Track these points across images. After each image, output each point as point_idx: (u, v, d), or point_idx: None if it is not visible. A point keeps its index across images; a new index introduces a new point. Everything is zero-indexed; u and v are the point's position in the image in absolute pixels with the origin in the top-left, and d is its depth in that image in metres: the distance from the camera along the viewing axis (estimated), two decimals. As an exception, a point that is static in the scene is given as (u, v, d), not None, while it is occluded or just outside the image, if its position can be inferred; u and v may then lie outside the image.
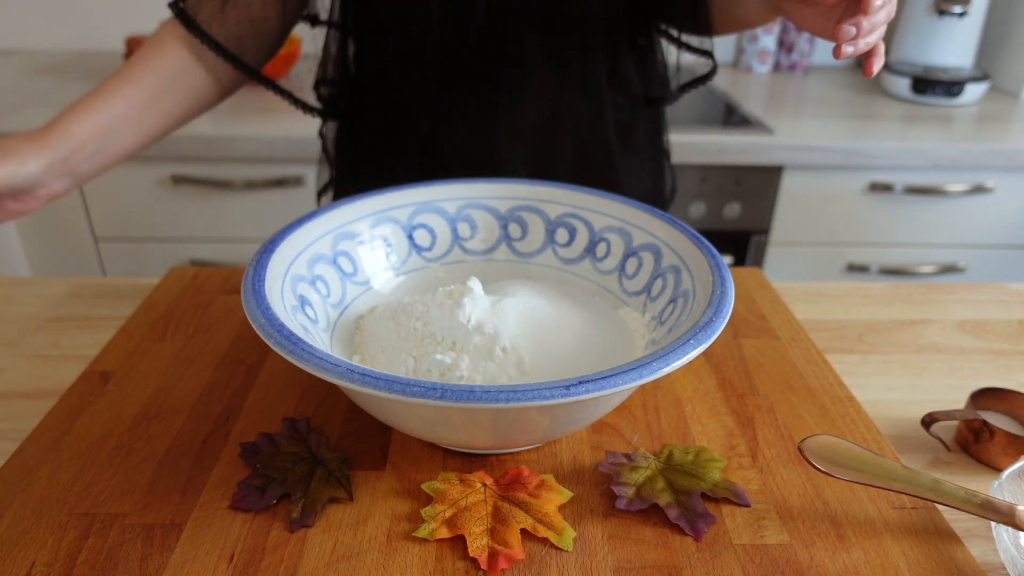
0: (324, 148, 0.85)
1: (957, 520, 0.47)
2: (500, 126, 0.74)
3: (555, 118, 0.75)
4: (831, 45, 1.95)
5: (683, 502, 0.45)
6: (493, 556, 0.42)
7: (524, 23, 0.70)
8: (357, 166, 0.81)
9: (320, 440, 0.50)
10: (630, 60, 0.76)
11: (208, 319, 0.66)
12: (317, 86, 0.78)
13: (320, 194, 0.88)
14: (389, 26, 0.72)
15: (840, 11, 0.51)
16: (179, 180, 1.29)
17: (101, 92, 0.62)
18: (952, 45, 1.58)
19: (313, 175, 1.30)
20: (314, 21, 0.75)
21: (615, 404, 0.48)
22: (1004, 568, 0.44)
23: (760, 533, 0.44)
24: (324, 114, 0.80)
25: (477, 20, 0.68)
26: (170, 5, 0.68)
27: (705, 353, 0.62)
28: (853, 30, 0.48)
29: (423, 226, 0.62)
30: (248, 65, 0.71)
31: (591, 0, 0.70)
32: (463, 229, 0.63)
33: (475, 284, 0.51)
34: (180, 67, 0.67)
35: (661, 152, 0.87)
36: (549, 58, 0.72)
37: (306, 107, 0.78)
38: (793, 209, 1.37)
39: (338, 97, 0.79)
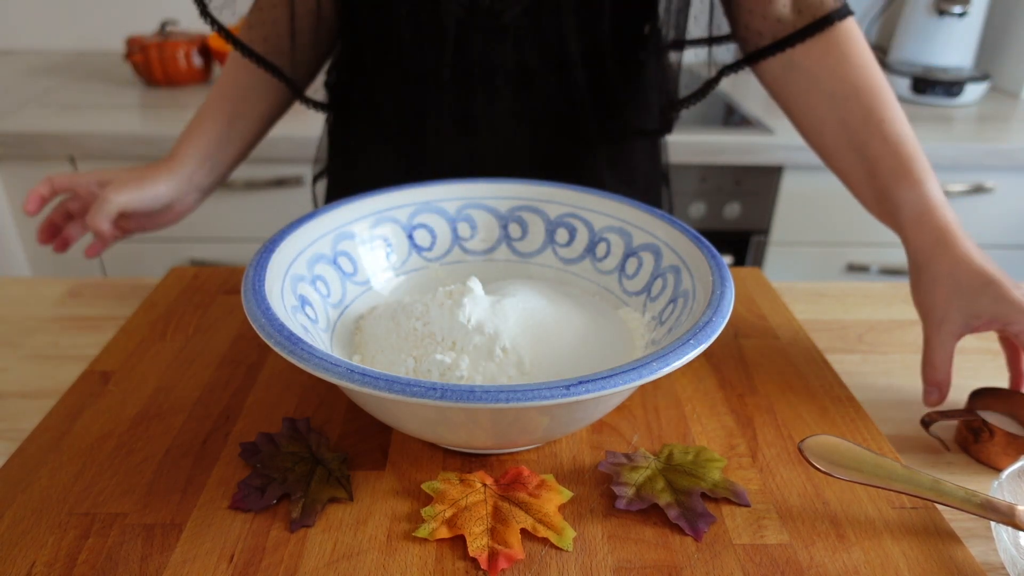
0: (325, 135, 0.86)
1: (957, 520, 0.47)
2: (480, 139, 0.72)
3: (535, 135, 0.73)
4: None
5: (683, 502, 0.45)
6: (493, 556, 0.42)
7: (496, 36, 0.67)
8: (351, 157, 0.81)
9: (320, 440, 0.50)
10: (620, 85, 0.73)
11: (208, 319, 0.66)
12: (329, 72, 0.80)
13: (315, 180, 0.89)
14: (363, 32, 0.72)
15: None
16: (179, 180, 1.29)
17: (198, 118, 0.74)
18: (952, 45, 1.58)
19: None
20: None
21: (615, 404, 0.48)
22: (1004, 568, 0.44)
23: (760, 533, 0.44)
24: (327, 107, 0.81)
25: (449, 30, 0.67)
26: (204, 15, 0.73)
27: (705, 353, 0.62)
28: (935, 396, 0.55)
29: (423, 226, 0.62)
30: (271, 63, 0.73)
31: (568, 16, 0.66)
32: (463, 229, 0.63)
33: (475, 284, 0.51)
34: (245, 83, 0.75)
35: (659, 178, 0.85)
36: (522, 73, 0.69)
37: (312, 103, 0.78)
38: (793, 209, 1.37)
39: (338, 86, 0.80)
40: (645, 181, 0.82)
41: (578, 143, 0.74)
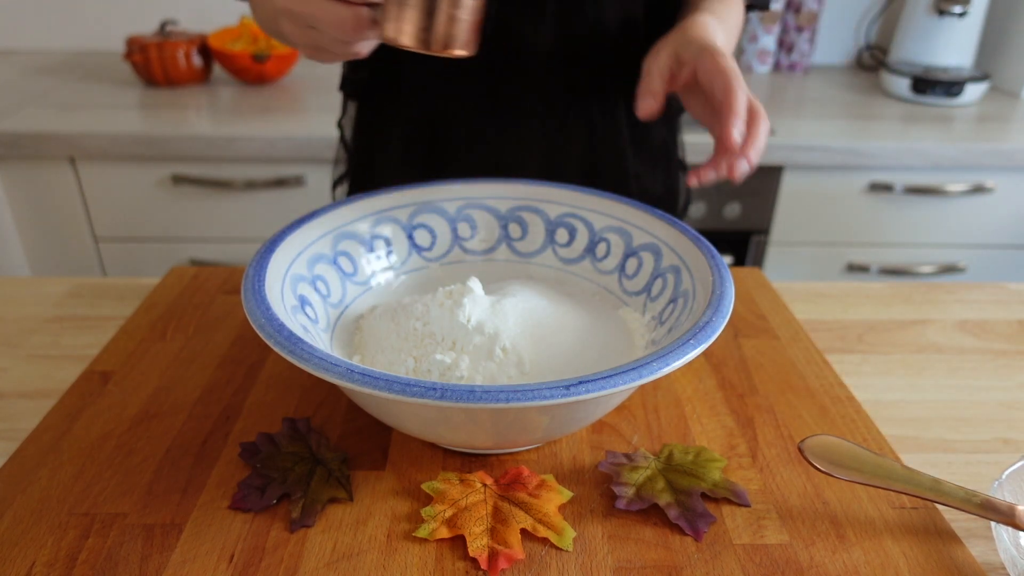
0: (342, 139, 0.86)
1: (957, 520, 0.47)
2: (507, 120, 0.74)
3: (565, 117, 0.75)
4: (831, 45, 1.95)
5: (683, 502, 0.45)
6: (493, 556, 0.42)
7: (538, 19, 0.69)
8: (372, 155, 0.82)
9: (320, 440, 0.50)
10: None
11: (208, 319, 0.66)
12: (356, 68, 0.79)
13: (335, 185, 0.89)
14: None
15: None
16: (179, 180, 1.29)
17: None
18: (952, 45, 1.58)
19: (314, 175, 1.30)
20: None
21: (615, 404, 0.48)
22: (1004, 568, 0.44)
23: (760, 533, 0.44)
24: (350, 89, 0.81)
25: (490, 12, 0.68)
26: None
27: (705, 353, 0.62)
28: (716, 174, 0.53)
29: (423, 226, 0.62)
30: None
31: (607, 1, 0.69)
32: (463, 229, 0.63)
33: (475, 284, 0.51)
34: None
35: (675, 163, 0.87)
36: (562, 56, 0.71)
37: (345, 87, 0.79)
38: (793, 209, 1.37)
39: (367, 81, 0.80)
40: (666, 166, 0.84)
41: (605, 125, 0.76)
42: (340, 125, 0.86)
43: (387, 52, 0.76)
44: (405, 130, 0.78)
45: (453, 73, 0.71)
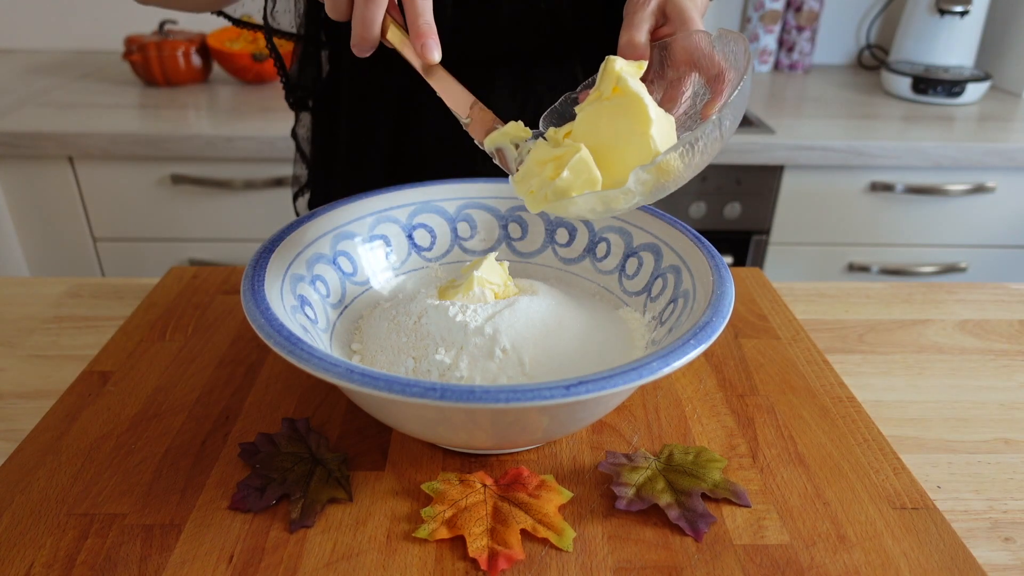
0: (298, 148, 0.85)
1: (958, 520, 0.47)
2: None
3: (525, 119, 0.75)
4: (832, 44, 1.94)
5: (683, 502, 0.45)
6: (493, 556, 0.42)
7: (492, 22, 0.69)
8: (331, 163, 0.81)
9: (320, 440, 0.50)
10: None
11: (208, 319, 0.66)
12: (292, 87, 0.78)
13: (296, 197, 0.88)
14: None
15: None
16: (178, 180, 1.29)
17: None
18: (953, 45, 1.58)
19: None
20: (288, 36, 0.75)
21: (615, 404, 0.48)
22: (1005, 570, 0.43)
23: (760, 534, 0.44)
24: (300, 102, 0.80)
25: (444, 17, 0.68)
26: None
27: (705, 353, 0.62)
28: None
29: (423, 226, 0.62)
30: None
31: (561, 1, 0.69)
32: (463, 229, 0.63)
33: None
34: None
35: None
36: (518, 59, 0.71)
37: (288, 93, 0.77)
38: (793, 209, 1.37)
39: (310, 90, 0.79)
40: None
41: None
42: (294, 134, 0.84)
43: (344, 66, 0.76)
44: (364, 139, 0.77)
45: (414, 73, 0.72)
